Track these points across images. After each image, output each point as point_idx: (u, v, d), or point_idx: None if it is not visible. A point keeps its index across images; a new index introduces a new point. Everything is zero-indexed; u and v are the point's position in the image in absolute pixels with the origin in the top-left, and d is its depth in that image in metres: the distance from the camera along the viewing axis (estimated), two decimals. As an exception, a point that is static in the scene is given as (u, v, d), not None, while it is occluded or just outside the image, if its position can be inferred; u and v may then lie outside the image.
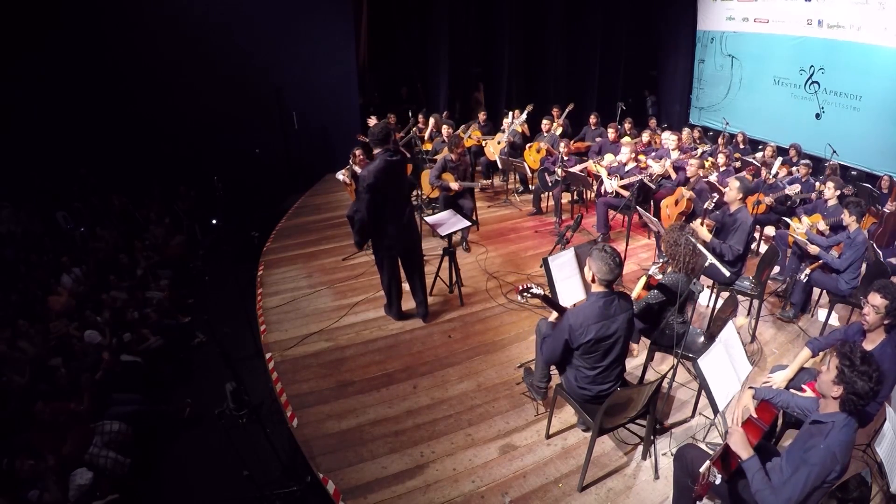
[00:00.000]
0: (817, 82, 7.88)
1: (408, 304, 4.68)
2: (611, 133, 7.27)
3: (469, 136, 7.84)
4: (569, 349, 2.86)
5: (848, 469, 2.08)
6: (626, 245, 5.47)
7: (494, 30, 9.88)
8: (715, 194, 4.80)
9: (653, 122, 9.08)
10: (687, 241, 3.34)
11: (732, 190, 4.31)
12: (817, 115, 7.89)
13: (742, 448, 2.19)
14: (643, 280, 3.50)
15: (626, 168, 6.03)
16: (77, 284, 5.17)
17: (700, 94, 10.20)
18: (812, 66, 7.90)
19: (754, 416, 2.44)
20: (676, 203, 5.48)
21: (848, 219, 4.23)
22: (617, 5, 10.12)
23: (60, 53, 6.46)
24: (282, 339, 4.40)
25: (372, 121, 7.22)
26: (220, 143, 7.12)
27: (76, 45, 6.52)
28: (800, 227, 4.85)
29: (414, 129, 7.90)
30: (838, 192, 5.04)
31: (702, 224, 4.45)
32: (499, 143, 7.65)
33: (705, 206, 4.70)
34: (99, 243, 6.00)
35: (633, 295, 3.66)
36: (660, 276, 3.42)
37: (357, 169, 5.99)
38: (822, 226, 4.80)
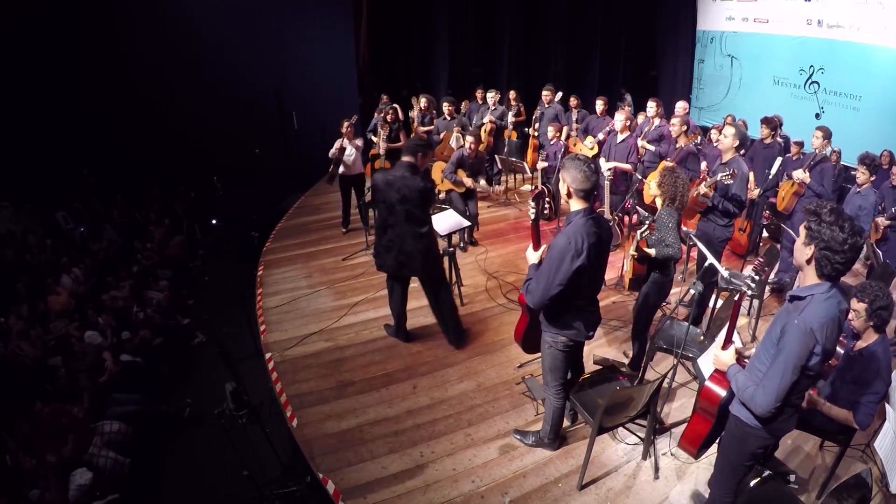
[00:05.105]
0: (817, 82, 7.88)
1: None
2: (599, 106, 6.55)
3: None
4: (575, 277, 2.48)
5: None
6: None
7: (494, 29, 9.87)
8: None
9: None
10: (684, 179, 3.47)
11: (728, 137, 3.98)
12: (817, 115, 7.88)
13: (724, 365, 2.27)
14: (634, 244, 3.51)
15: (619, 139, 5.46)
16: (77, 284, 5.17)
17: (700, 94, 10.19)
18: (812, 66, 7.90)
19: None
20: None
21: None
22: (617, 5, 10.13)
23: (61, 53, 6.46)
24: (282, 339, 4.40)
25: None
26: (220, 143, 7.12)
27: (78, 44, 6.53)
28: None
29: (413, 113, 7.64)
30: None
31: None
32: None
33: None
34: (102, 243, 6.00)
35: (626, 268, 3.76)
36: (652, 239, 3.44)
37: (346, 142, 5.92)
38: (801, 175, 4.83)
